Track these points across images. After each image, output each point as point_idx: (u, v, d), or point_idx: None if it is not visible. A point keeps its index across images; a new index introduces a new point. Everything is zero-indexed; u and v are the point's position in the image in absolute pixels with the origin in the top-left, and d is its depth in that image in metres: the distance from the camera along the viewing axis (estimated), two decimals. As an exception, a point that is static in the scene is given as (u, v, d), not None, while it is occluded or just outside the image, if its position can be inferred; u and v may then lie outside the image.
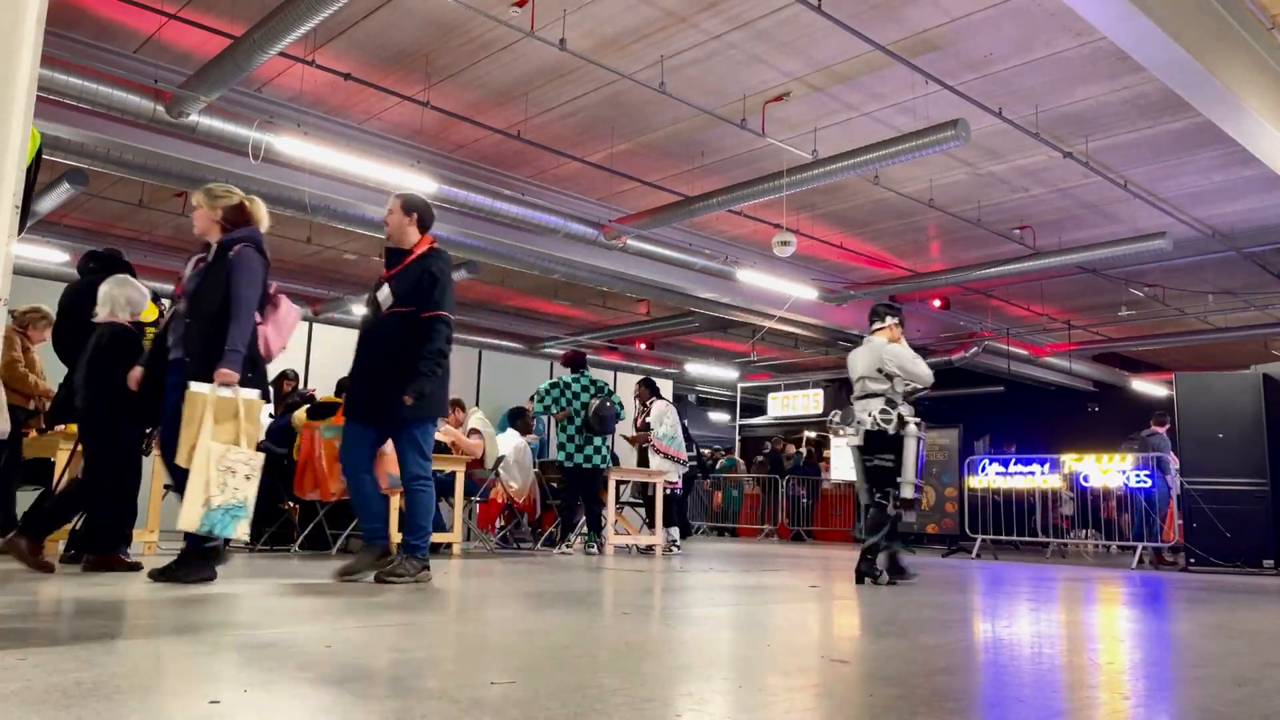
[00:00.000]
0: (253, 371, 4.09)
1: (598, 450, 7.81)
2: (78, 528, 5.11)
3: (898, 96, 7.99)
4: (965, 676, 2.27)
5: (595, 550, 7.65)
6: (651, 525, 8.56)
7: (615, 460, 8.20)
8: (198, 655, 2.13)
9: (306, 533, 6.86)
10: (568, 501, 7.94)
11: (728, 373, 19.11)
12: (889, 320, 5.73)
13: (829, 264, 13.03)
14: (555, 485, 8.38)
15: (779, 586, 5.04)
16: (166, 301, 5.26)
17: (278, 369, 8.03)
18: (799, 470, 15.34)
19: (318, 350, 11.25)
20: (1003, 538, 10.09)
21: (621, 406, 8.06)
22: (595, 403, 7.83)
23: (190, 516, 3.70)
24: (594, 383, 8.04)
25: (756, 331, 15.17)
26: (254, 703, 1.67)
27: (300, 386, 8.70)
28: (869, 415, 5.36)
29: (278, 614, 3.00)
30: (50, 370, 5.92)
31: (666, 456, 8.54)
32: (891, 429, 5.29)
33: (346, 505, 6.84)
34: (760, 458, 16.53)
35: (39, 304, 6.09)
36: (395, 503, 5.94)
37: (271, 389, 7.72)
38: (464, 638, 2.61)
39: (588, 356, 8.78)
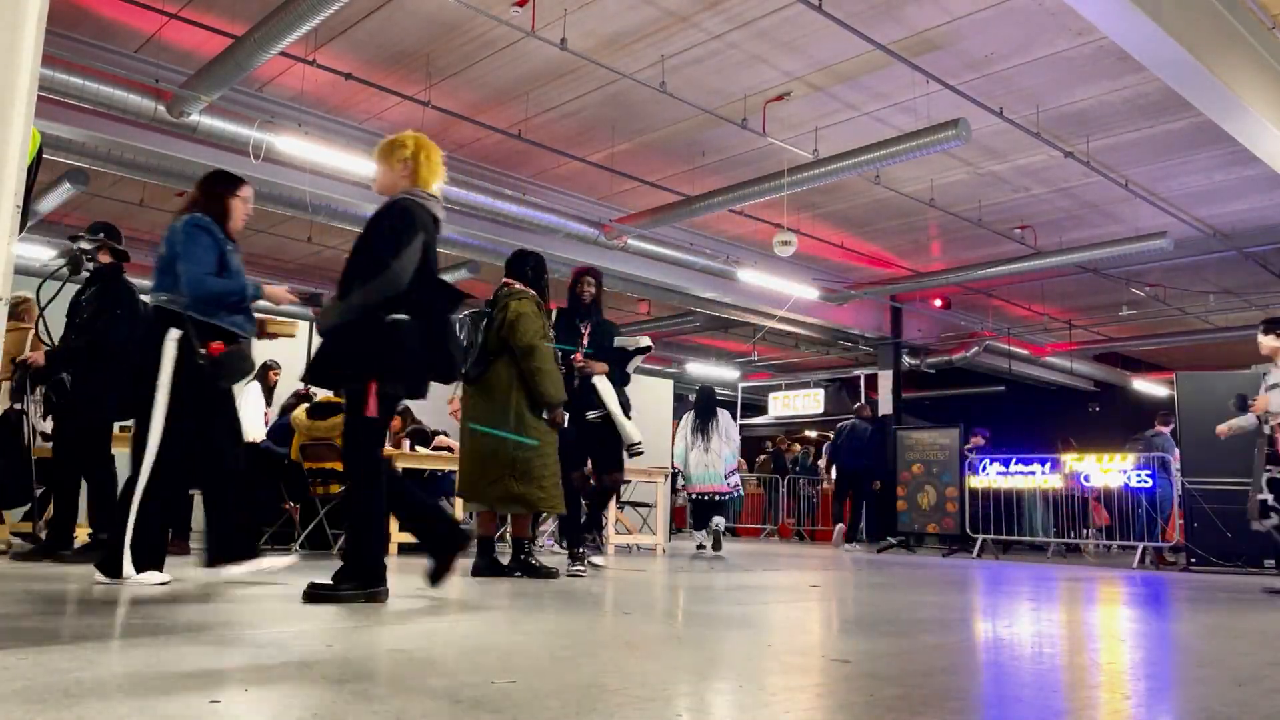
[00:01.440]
0: None
1: None
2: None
3: (898, 96, 7.98)
4: (966, 676, 2.27)
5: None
6: (696, 528, 8.85)
7: None
8: (198, 655, 2.13)
9: (307, 532, 6.86)
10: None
11: (728, 372, 19.11)
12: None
13: (830, 264, 13.02)
14: None
15: (780, 586, 5.04)
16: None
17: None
18: (806, 471, 15.33)
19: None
20: (1004, 537, 10.08)
21: None
22: None
23: None
24: None
25: (757, 331, 15.16)
26: (254, 702, 1.67)
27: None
28: None
29: (278, 614, 3.00)
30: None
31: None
32: None
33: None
34: (763, 456, 16.52)
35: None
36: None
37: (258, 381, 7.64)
38: (464, 638, 2.61)
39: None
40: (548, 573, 4.80)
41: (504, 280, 5.06)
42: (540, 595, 3.91)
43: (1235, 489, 8.18)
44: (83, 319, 4.96)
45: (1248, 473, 8.20)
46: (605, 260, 11.07)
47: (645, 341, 5.91)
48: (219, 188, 4.06)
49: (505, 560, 4.89)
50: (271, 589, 3.81)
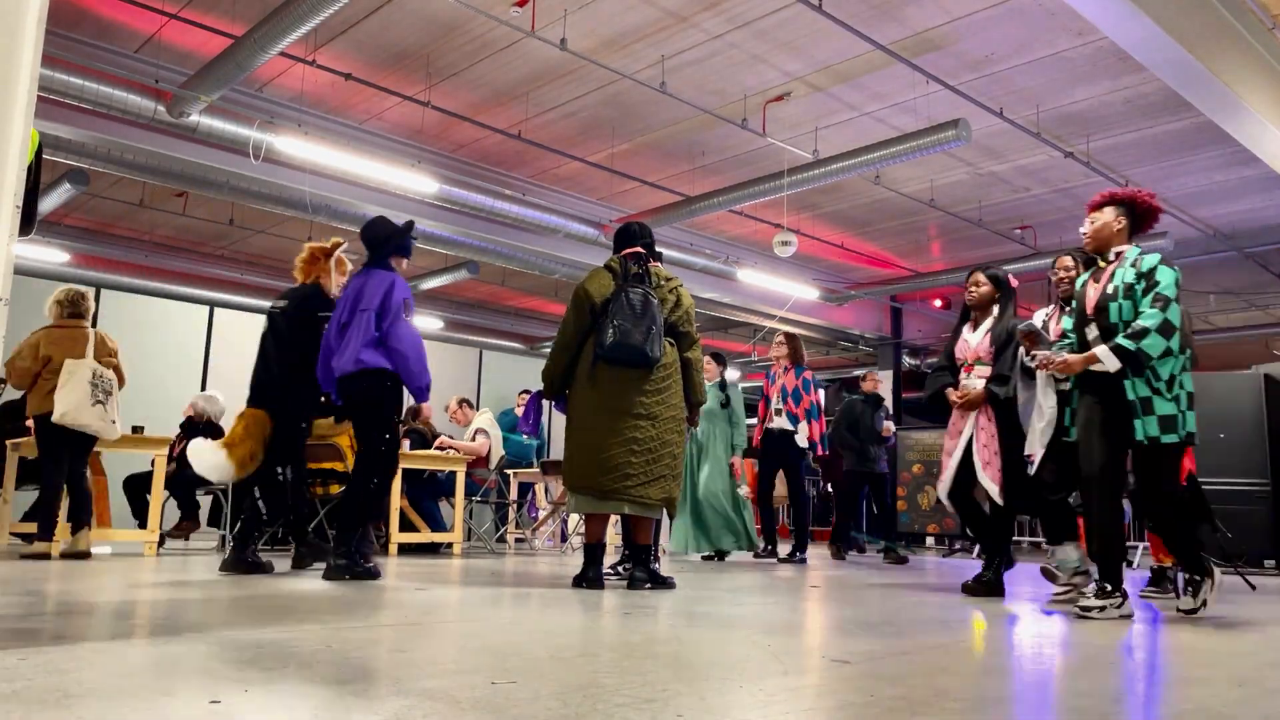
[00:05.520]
0: None
1: None
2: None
3: (899, 96, 7.99)
4: (966, 676, 2.26)
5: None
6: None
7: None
8: (198, 655, 2.13)
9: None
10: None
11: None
12: None
13: (830, 264, 13.03)
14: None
15: (779, 586, 5.03)
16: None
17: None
18: (810, 472, 15.38)
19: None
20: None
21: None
22: None
23: None
24: None
25: (757, 331, 15.16)
26: (254, 703, 1.67)
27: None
28: None
29: (278, 614, 3.00)
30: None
31: None
32: None
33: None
34: None
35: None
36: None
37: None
38: (464, 638, 2.61)
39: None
40: (670, 583, 4.41)
41: (650, 260, 4.81)
42: (541, 595, 3.91)
43: (1236, 489, 8.20)
44: None
45: (1248, 473, 8.23)
46: (606, 260, 11.08)
47: None
48: None
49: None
50: (270, 589, 3.81)
